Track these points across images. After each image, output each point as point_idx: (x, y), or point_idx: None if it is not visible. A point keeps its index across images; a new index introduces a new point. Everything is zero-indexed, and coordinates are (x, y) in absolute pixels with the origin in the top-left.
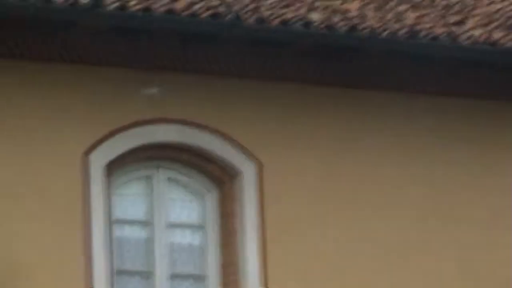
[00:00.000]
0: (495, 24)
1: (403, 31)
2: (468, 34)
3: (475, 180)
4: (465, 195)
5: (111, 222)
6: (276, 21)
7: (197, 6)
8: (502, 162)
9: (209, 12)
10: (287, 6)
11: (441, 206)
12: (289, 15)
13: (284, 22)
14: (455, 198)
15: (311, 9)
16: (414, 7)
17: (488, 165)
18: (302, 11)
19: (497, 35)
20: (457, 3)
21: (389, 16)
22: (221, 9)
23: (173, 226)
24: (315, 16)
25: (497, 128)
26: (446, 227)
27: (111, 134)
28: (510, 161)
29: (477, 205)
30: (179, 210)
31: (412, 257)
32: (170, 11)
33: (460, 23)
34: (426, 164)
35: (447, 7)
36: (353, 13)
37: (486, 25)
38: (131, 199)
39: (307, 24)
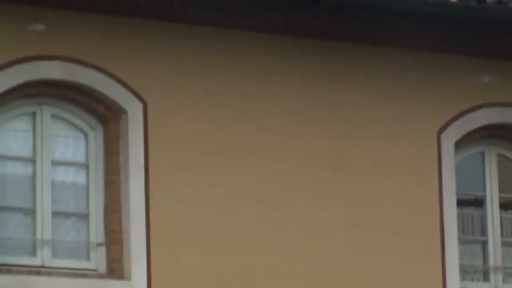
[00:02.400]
0: None
1: None
2: None
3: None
4: (386, 144)
5: None
6: None
7: None
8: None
9: None
10: None
11: (347, 155)
12: None
13: None
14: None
15: None
16: None
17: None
18: None
19: None
20: None
21: None
22: None
23: (57, 163)
24: None
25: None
26: (350, 177)
27: None
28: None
29: (399, 154)
30: (63, 148)
31: (302, 206)
32: None
33: None
34: (325, 111)
35: None
36: None
37: None
38: (15, 135)
39: None
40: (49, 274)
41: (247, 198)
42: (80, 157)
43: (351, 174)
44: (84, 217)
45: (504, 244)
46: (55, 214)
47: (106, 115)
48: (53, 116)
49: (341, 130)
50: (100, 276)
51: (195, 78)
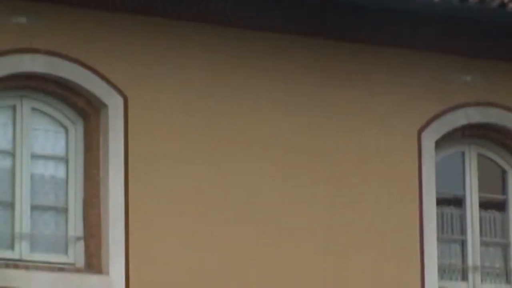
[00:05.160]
0: None
1: None
2: None
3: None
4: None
5: None
6: None
7: None
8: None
9: None
10: None
11: (324, 145)
12: None
13: None
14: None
15: None
16: None
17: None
18: None
19: None
20: None
21: None
22: None
23: (37, 157)
24: None
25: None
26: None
27: None
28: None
29: (380, 152)
30: (43, 141)
31: (281, 202)
32: None
33: None
34: (306, 107)
35: None
36: None
37: None
38: None
39: None
40: (27, 267)
41: (226, 193)
42: (59, 150)
43: (330, 172)
44: (63, 211)
45: (483, 243)
46: (34, 207)
47: (87, 109)
48: (33, 109)
49: (320, 127)
50: (78, 270)
51: (176, 72)
